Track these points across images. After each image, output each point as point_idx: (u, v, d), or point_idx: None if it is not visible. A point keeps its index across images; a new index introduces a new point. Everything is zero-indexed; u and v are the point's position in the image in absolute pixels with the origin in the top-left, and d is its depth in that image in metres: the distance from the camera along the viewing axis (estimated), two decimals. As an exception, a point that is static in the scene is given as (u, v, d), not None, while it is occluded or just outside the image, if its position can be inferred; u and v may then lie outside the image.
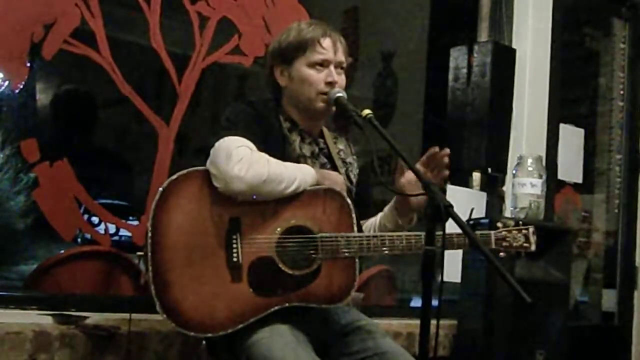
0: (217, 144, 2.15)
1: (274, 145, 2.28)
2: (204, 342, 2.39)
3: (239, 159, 2.10)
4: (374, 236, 2.25)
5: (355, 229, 2.24)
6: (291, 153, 2.34)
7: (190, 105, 3.22)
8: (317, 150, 2.44)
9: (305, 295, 2.19)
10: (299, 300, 2.19)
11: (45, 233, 3.04)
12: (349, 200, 2.24)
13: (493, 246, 2.34)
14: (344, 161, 2.50)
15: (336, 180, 2.30)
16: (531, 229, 2.40)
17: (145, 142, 3.33)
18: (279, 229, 2.19)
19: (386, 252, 2.24)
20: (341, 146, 2.54)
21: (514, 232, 2.37)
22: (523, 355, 3.41)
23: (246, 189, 2.11)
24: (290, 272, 2.18)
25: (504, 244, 2.36)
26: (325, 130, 2.51)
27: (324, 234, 2.20)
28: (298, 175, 2.20)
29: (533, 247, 2.40)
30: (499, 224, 2.39)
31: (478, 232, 2.32)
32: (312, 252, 2.20)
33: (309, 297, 2.20)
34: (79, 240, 3.50)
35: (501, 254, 2.37)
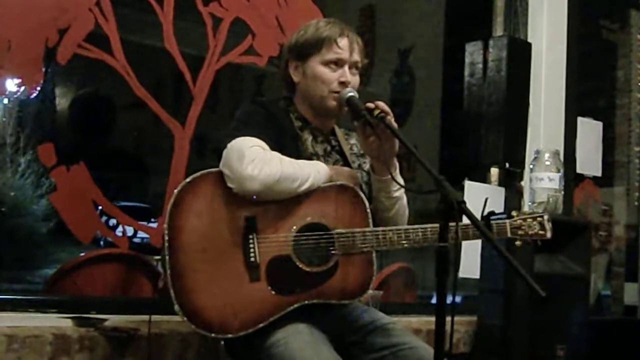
0: (229, 145, 2.15)
1: (287, 144, 2.27)
2: (222, 342, 2.38)
3: (252, 159, 2.10)
4: (389, 230, 2.23)
5: (371, 223, 2.23)
6: (303, 152, 2.34)
7: (206, 106, 3.22)
8: (329, 148, 2.44)
9: (324, 292, 2.19)
10: (317, 297, 2.18)
11: (67, 236, 3.06)
12: (363, 196, 2.24)
13: (509, 235, 2.33)
14: (357, 155, 2.48)
15: (350, 175, 2.29)
16: (546, 216, 2.38)
17: (162, 144, 3.35)
18: (294, 227, 2.19)
19: (403, 245, 2.22)
20: (353, 141, 2.52)
21: (528, 220, 2.35)
22: (544, 351, 3.38)
23: (260, 189, 2.11)
24: (308, 269, 2.18)
25: (520, 232, 2.34)
26: (336, 127, 2.50)
27: (339, 230, 2.20)
28: (312, 172, 2.19)
29: (549, 234, 2.37)
30: (514, 213, 2.37)
31: (494, 223, 2.31)
32: (328, 248, 2.20)
33: (328, 293, 2.19)
34: (102, 243, 3.53)
35: (517, 242, 2.35)
